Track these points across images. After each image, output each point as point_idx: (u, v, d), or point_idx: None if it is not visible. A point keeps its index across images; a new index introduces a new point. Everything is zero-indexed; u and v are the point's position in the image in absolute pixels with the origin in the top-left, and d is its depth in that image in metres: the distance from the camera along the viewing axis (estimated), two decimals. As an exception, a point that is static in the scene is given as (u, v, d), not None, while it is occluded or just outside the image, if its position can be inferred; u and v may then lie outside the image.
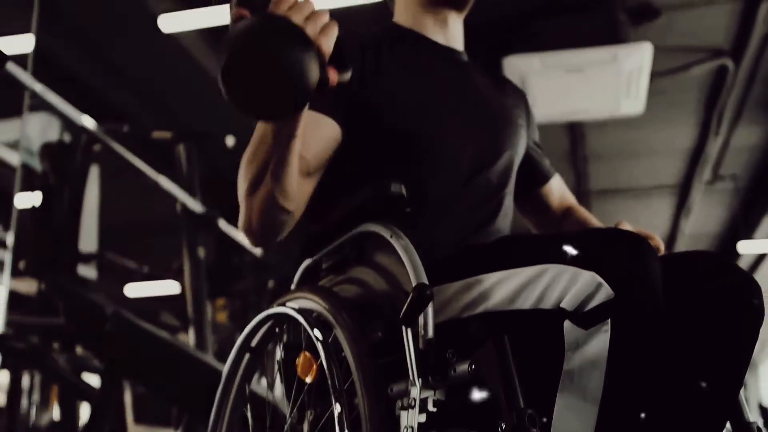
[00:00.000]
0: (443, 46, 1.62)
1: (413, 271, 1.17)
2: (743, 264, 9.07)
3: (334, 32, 1.05)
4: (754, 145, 6.90)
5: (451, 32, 1.63)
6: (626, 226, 1.48)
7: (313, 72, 1.00)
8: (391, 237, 1.24)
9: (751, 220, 7.99)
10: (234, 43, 0.98)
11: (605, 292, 1.04)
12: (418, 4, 1.61)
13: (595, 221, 1.74)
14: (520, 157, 1.65)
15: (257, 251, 5.55)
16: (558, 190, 1.82)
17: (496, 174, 1.54)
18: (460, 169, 1.49)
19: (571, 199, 1.83)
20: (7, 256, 3.49)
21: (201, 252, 4.42)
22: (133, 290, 8.74)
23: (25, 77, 2.95)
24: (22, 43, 3.55)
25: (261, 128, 1.26)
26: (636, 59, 4.81)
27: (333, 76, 1.06)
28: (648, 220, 8.42)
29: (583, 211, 1.79)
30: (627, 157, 7.07)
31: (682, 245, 8.76)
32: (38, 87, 3.00)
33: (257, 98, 1.01)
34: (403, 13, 1.64)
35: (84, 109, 3.90)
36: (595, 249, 1.09)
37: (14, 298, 3.49)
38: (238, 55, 0.98)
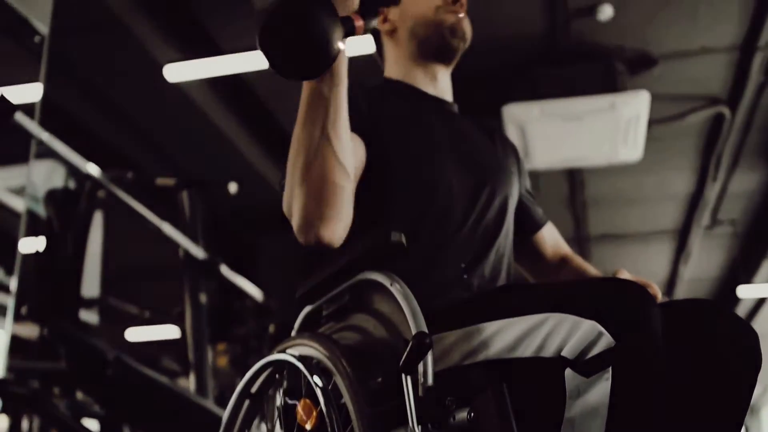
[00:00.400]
0: (435, 97, 1.68)
1: (413, 319, 1.19)
2: (743, 308, 9.07)
3: None
4: (752, 190, 6.95)
5: (440, 85, 1.70)
6: (624, 275, 1.50)
7: (336, 32, 1.17)
8: (391, 285, 1.26)
9: (751, 264, 8.01)
10: (265, 12, 1.16)
11: (606, 340, 1.05)
12: (408, 59, 1.66)
13: (591, 270, 1.75)
14: (513, 201, 1.68)
15: (258, 295, 5.55)
16: (551, 238, 1.84)
17: (490, 219, 1.57)
18: (455, 215, 1.52)
19: (565, 248, 1.85)
20: (10, 301, 3.50)
21: (203, 297, 4.44)
22: (135, 334, 8.72)
23: (32, 126, 3.00)
24: (30, 92, 3.61)
25: (307, 94, 1.31)
26: (633, 107, 4.87)
27: (359, 23, 1.24)
28: (647, 265, 8.44)
29: (579, 260, 1.80)
30: (626, 203, 7.12)
31: (681, 290, 8.77)
32: (45, 136, 3.05)
33: (287, 61, 1.18)
34: (394, 67, 1.70)
35: (89, 156, 3.95)
36: (596, 298, 1.11)
37: (16, 342, 3.50)
38: (266, 25, 1.16)
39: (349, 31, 1.24)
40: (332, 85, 1.28)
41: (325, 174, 1.29)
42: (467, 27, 1.66)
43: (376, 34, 1.74)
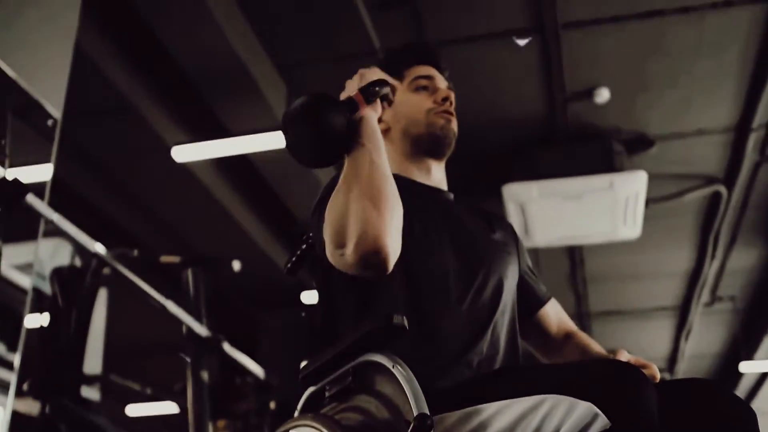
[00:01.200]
0: (431, 187, 1.74)
1: (414, 400, 1.22)
2: (746, 384, 9.03)
3: (367, 76, 1.53)
4: (751, 267, 6.99)
5: (434, 177, 1.76)
6: (624, 355, 1.53)
7: (335, 122, 1.40)
8: (393, 367, 1.30)
9: (752, 340, 8.00)
10: (286, 115, 1.43)
11: (602, 421, 1.08)
12: (402, 155, 1.73)
13: (596, 346, 1.77)
14: (512, 281, 1.72)
15: (259, 372, 5.55)
16: (555, 314, 1.87)
17: (487, 299, 1.61)
18: (453, 297, 1.56)
19: (570, 324, 1.88)
20: (13, 377, 3.51)
21: (204, 374, 4.43)
22: (136, 410, 8.64)
23: (42, 207, 3.06)
24: (41, 172, 3.69)
25: (352, 166, 1.42)
26: (632, 187, 4.96)
27: (359, 99, 1.46)
28: (648, 341, 8.42)
29: (583, 336, 1.82)
30: (626, 280, 7.15)
31: (683, 366, 8.73)
32: (55, 217, 3.11)
33: (305, 153, 1.44)
34: (390, 164, 1.76)
35: (96, 233, 4.00)
36: (592, 380, 1.14)
37: (17, 419, 3.49)
38: (284, 126, 1.43)
39: (353, 107, 1.45)
40: (364, 141, 1.44)
41: (383, 186, 1.39)
42: (456, 127, 1.75)
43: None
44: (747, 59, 4.48)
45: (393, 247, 1.35)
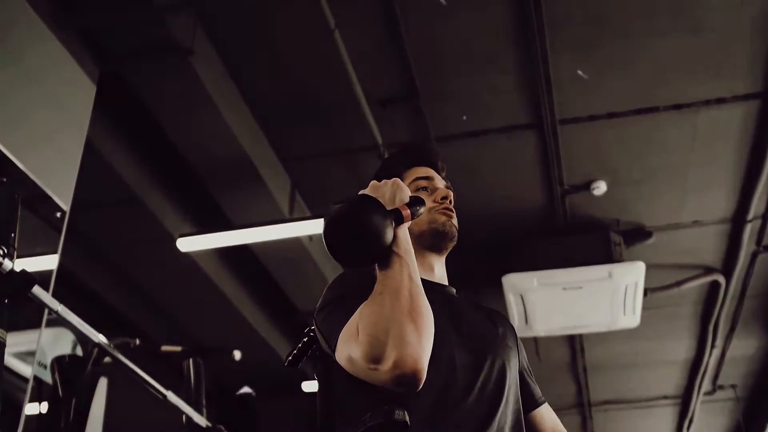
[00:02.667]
0: (434, 283, 1.79)
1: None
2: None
3: (404, 192, 1.57)
4: (752, 356, 6.99)
5: (437, 273, 1.82)
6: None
7: (387, 231, 1.44)
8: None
9: (754, 428, 7.92)
10: (328, 214, 1.44)
11: None
12: None
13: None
14: (514, 373, 1.75)
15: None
16: (550, 419, 1.89)
17: (491, 390, 1.63)
18: (457, 389, 1.58)
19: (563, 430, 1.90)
20: (8, 467, 3.48)
21: (203, 465, 4.38)
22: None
23: (47, 298, 3.09)
24: (46, 262, 3.73)
25: (388, 267, 1.45)
26: (630, 277, 5.01)
27: (406, 213, 1.50)
28: (650, 431, 8.33)
29: None
30: (626, 369, 7.13)
31: (686, 456, 8.62)
32: (60, 308, 3.13)
33: (347, 253, 1.46)
34: None
35: (98, 322, 4.01)
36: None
37: None
38: (329, 225, 1.44)
39: (399, 220, 1.49)
40: (402, 254, 1.47)
41: (422, 306, 1.40)
42: (456, 222, 1.81)
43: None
44: (741, 153, 4.58)
45: (426, 366, 1.34)
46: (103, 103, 3.81)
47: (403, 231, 1.50)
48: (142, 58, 3.69)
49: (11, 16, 3.32)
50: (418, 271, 1.78)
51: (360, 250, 1.45)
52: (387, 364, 1.32)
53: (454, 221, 1.81)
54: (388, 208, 1.49)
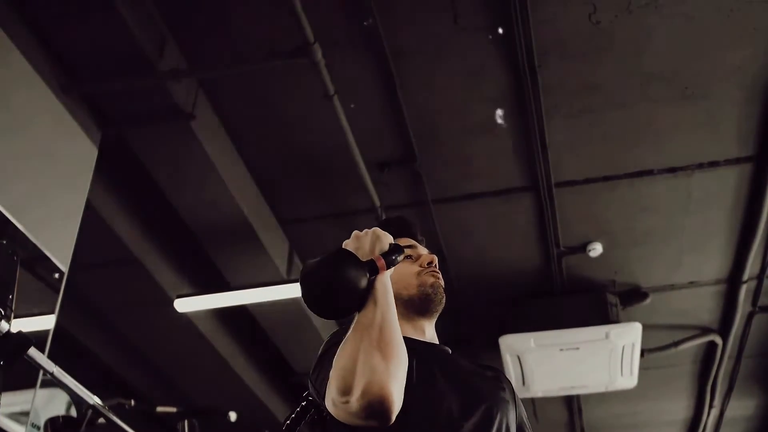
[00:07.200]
0: (429, 343, 1.81)
1: None
2: None
3: (383, 241, 1.59)
4: (750, 415, 6.95)
5: (428, 335, 1.85)
6: None
7: (360, 282, 1.47)
8: None
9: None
10: (311, 265, 1.49)
11: None
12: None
13: None
14: (512, 421, 1.76)
15: None
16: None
17: None
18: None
19: None
20: None
21: None
22: None
23: (42, 359, 3.09)
24: (42, 322, 3.73)
25: (363, 318, 1.47)
26: (627, 337, 5.01)
27: (381, 263, 1.53)
28: (650, 493, 8.24)
29: None
30: (625, 429, 7.08)
31: None
32: (55, 370, 3.13)
33: (319, 302, 1.48)
34: None
35: (93, 382, 4.00)
36: None
37: None
38: (304, 282, 1.48)
39: (374, 271, 1.52)
40: (378, 299, 1.50)
41: (392, 338, 1.44)
42: (443, 284, 1.86)
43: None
44: (735, 214, 4.63)
45: (397, 396, 1.36)
46: (104, 165, 3.85)
47: (381, 280, 1.54)
48: (143, 122, 3.74)
49: (16, 79, 3.37)
50: (411, 334, 1.81)
51: (333, 302, 1.49)
52: (356, 394, 1.34)
53: (442, 282, 1.85)
54: (368, 257, 1.54)
